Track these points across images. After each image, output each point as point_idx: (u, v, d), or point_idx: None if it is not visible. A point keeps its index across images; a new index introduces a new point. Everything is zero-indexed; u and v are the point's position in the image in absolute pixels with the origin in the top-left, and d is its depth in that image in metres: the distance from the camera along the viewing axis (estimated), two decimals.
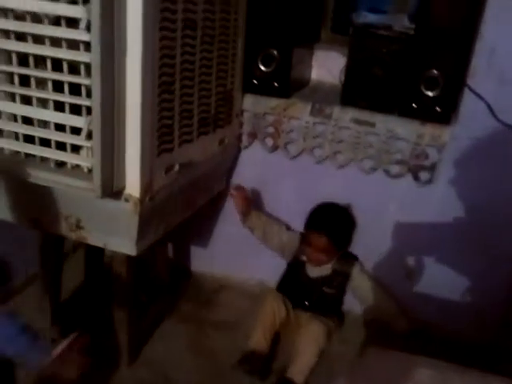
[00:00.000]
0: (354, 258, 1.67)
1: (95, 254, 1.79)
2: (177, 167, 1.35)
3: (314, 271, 1.62)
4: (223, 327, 1.78)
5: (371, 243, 1.73)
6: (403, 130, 1.57)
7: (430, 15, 1.45)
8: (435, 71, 1.48)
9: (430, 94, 1.50)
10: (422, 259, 1.75)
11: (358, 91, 1.59)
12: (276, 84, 1.63)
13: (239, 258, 1.97)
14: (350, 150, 1.66)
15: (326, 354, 1.55)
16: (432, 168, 1.61)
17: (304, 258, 1.63)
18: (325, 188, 1.72)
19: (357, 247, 1.70)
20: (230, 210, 1.93)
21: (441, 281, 1.73)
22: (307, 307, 1.63)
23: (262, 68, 1.63)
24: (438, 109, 1.51)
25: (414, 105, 1.53)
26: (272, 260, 1.76)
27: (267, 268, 1.81)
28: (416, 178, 1.64)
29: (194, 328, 1.78)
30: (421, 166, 1.61)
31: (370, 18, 1.60)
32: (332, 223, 1.59)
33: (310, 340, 1.52)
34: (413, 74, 1.50)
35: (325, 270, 1.61)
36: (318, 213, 1.60)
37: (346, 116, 1.62)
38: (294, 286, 1.66)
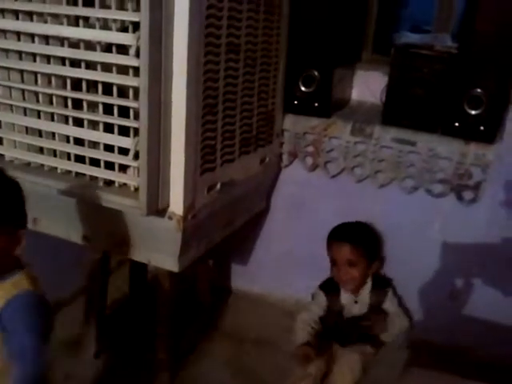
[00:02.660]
0: (386, 285, 1.59)
1: (139, 270, 1.84)
2: (218, 186, 1.38)
3: (351, 310, 1.57)
4: (263, 345, 1.78)
5: (413, 263, 1.70)
6: (446, 149, 1.55)
7: (475, 33, 1.44)
8: (479, 90, 1.45)
9: (473, 112, 1.48)
10: (467, 280, 1.71)
11: (400, 110, 1.58)
12: (316, 104, 1.65)
13: (278, 276, 1.98)
14: (391, 169, 1.65)
15: (368, 377, 1.52)
16: (476, 187, 1.58)
17: (337, 307, 1.59)
18: (365, 207, 1.72)
19: (399, 267, 1.68)
20: (270, 228, 1.95)
21: (486, 302, 1.68)
22: (345, 343, 1.59)
23: (303, 88, 1.65)
24: (481, 127, 1.48)
25: (456, 124, 1.51)
26: (310, 279, 1.75)
27: (306, 286, 1.80)
28: (459, 197, 1.61)
29: (233, 345, 1.79)
30: (464, 185, 1.59)
31: (411, 37, 1.60)
32: (353, 231, 1.55)
33: (345, 372, 1.49)
34: (456, 93, 1.49)
35: (360, 307, 1.57)
36: (339, 226, 1.58)
37: (386, 135, 1.61)
38: (332, 330, 1.62)
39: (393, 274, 1.72)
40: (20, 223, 0.94)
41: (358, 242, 1.51)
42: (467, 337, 1.71)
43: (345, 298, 1.56)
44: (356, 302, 1.56)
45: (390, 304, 1.57)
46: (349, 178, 1.73)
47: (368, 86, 1.81)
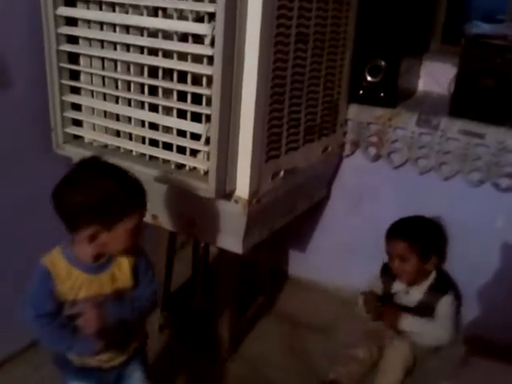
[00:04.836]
0: (446, 290, 1.53)
1: (202, 250, 1.92)
2: (282, 173, 1.42)
3: (401, 299, 1.57)
4: (315, 331, 1.82)
5: (476, 258, 1.67)
6: None
7: None
8: None
9: None
10: None
11: (468, 102, 1.55)
12: (382, 94, 1.65)
13: (335, 265, 2.00)
14: (456, 162, 1.63)
15: (422, 368, 1.52)
16: None
17: (392, 290, 1.60)
18: (428, 199, 1.70)
19: (461, 262, 1.65)
20: (330, 217, 1.97)
21: None
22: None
23: (369, 78, 1.66)
24: None
25: None
26: (367, 270, 1.77)
27: (361, 274, 1.82)
28: None
29: (288, 329, 1.84)
30: None
31: (483, 27, 1.56)
32: (411, 227, 1.54)
33: (395, 358, 1.49)
34: None
35: (411, 300, 1.55)
36: (398, 221, 1.57)
37: (453, 127, 1.59)
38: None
39: (454, 268, 1.70)
40: None
41: (411, 238, 1.51)
42: None
43: (397, 285, 1.57)
44: (407, 293, 1.55)
45: (441, 311, 1.53)
46: (412, 170, 1.72)
47: (435, 77, 1.79)
